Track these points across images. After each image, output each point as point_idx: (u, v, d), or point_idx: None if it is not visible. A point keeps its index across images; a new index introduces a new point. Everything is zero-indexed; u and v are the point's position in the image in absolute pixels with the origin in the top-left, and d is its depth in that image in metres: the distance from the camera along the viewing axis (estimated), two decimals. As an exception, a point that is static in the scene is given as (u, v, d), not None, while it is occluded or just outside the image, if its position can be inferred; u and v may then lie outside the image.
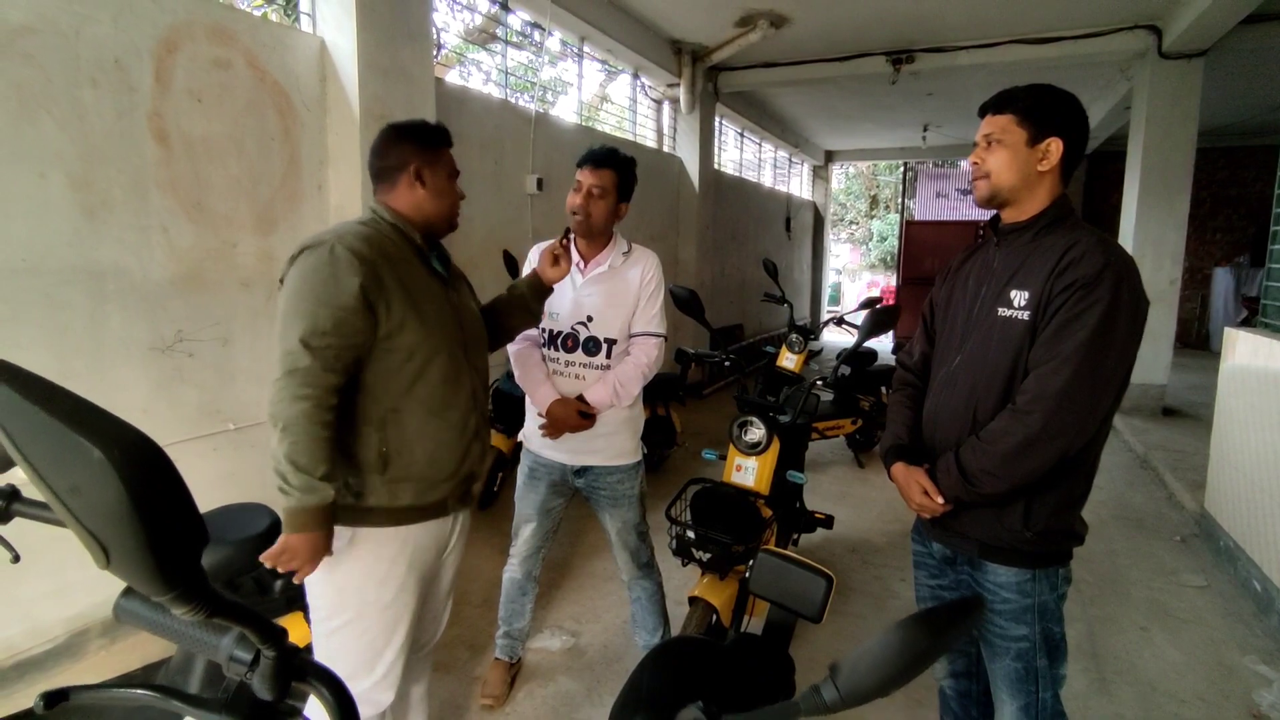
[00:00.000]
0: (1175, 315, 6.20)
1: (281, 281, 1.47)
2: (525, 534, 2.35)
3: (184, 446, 2.84)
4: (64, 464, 0.42)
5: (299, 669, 0.58)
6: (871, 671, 0.66)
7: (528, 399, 2.32)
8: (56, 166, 2.42)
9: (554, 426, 2.13)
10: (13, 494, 0.89)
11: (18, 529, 0.92)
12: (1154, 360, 6.21)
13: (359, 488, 1.50)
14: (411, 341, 1.49)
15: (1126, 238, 6.32)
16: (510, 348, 2.22)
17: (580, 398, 2.14)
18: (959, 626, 0.68)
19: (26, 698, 2.30)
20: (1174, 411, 6.35)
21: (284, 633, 0.58)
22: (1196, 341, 10.94)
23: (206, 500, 1.99)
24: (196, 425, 2.88)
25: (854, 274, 22.76)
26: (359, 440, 1.49)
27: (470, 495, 1.71)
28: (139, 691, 0.56)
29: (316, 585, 1.55)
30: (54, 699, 0.53)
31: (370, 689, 1.57)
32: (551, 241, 1.98)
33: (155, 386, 2.76)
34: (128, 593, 0.61)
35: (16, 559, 1.32)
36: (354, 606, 1.54)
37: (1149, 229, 6.08)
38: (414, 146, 1.59)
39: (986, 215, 1.64)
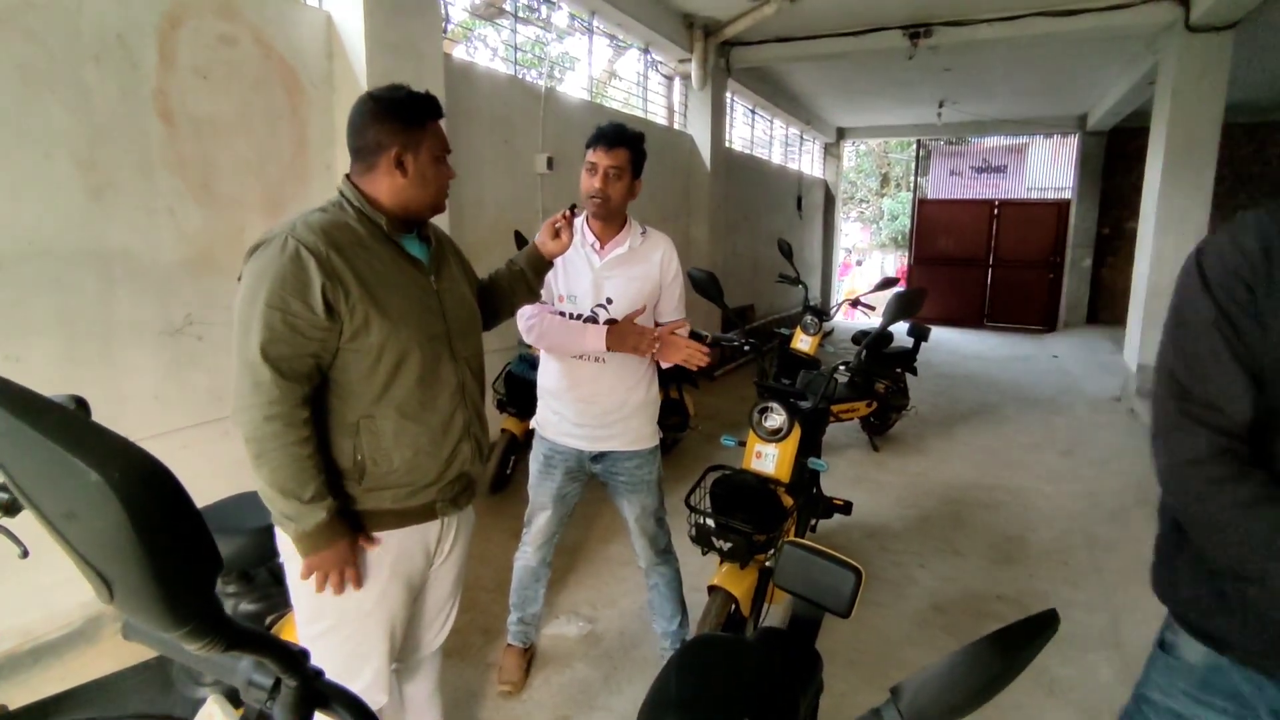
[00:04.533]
0: (1197, 296, 6.07)
1: (241, 280, 1.37)
2: (540, 522, 2.32)
3: (195, 431, 2.82)
4: (58, 488, 0.37)
5: (322, 695, 0.54)
6: (938, 696, 0.61)
7: (539, 385, 2.27)
8: (62, 147, 2.37)
9: (633, 341, 2.02)
10: (19, 490, 0.85)
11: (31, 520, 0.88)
12: (1175, 342, 6.09)
13: (338, 495, 1.41)
14: (378, 340, 1.37)
15: (1148, 215, 6.19)
16: (524, 325, 2.14)
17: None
18: (1034, 646, 0.63)
19: (44, 682, 2.30)
20: (1193, 394, 6.24)
21: (305, 656, 0.53)
22: (1214, 322, 10.77)
23: (218, 488, 1.96)
24: (207, 410, 2.85)
25: (864, 253, 22.51)
26: (334, 448, 1.41)
27: (464, 498, 1.62)
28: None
29: (298, 589, 1.48)
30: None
31: (360, 693, 1.51)
32: (555, 215, 1.90)
33: (165, 371, 2.72)
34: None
35: (25, 554, 1.29)
36: (334, 613, 1.47)
37: (1171, 206, 5.94)
38: (394, 126, 1.41)
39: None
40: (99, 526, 0.37)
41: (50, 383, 2.28)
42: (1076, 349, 9.55)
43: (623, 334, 2.02)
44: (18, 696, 2.22)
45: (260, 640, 0.47)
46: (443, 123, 1.54)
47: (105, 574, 0.38)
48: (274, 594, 1.86)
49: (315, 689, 0.53)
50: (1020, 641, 0.62)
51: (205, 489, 1.93)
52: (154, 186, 2.64)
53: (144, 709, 1.52)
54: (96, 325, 2.50)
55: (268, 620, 1.88)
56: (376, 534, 1.47)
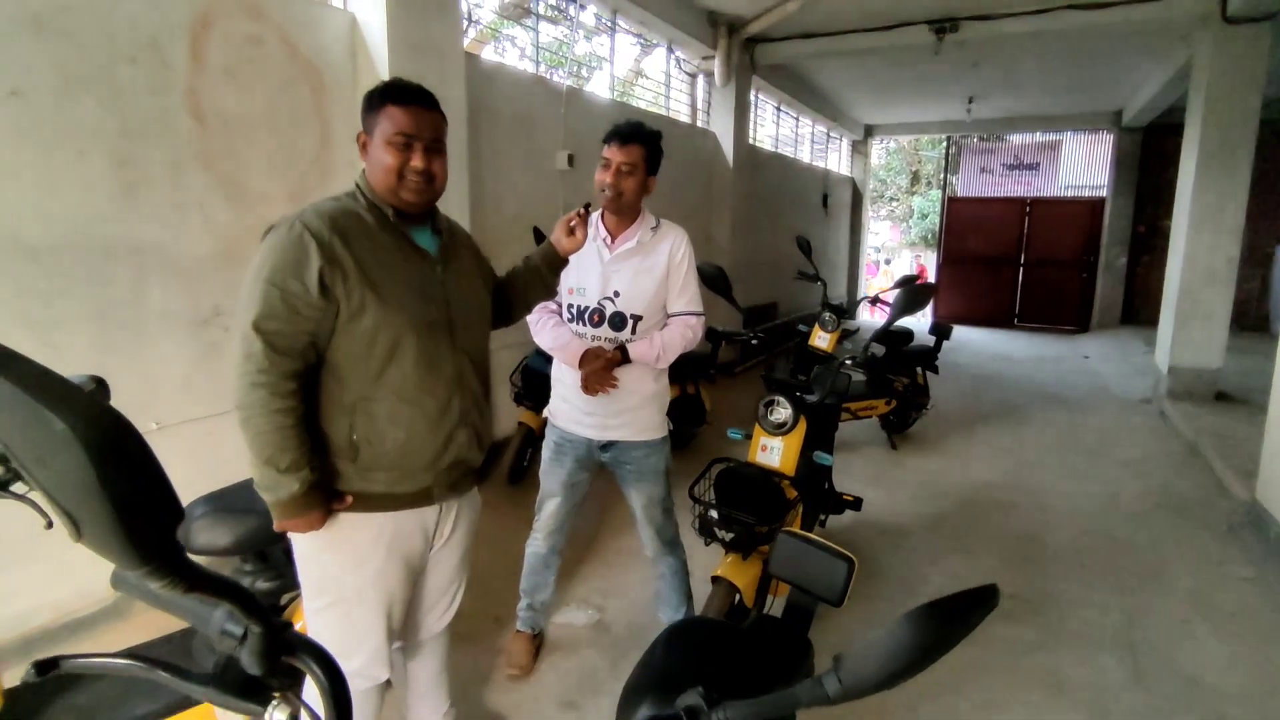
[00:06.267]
0: (1232, 295, 5.92)
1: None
2: (549, 509, 2.36)
3: (222, 419, 2.91)
4: (29, 435, 0.41)
5: (288, 643, 0.58)
6: (877, 664, 0.64)
7: (554, 375, 2.32)
8: (97, 144, 2.47)
9: (588, 378, 2.11)
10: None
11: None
12: (1207, 343, 5.95)
13: (331, 473, 1.47)
14: (372, 323, 1.43)
15: (1182, 213, 6.04)
16: (531, 323, 2.22)
17: (621, 348, 2.13)
18: (971, 618, 0.65)
19: (75, 656, 2.40)
20: (1227, 396, 6.08)
21: (271, 607, 0.57)
22: (1255, 323, 10.45)
23: (244, 472, 2.03)
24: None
25: (893, 252, 22.22)
26: (330, 425, 1.46)
27: (463, 484, 1.65)
28: (127, 662, 0.57)
29: (302, 565, 1.55)
30: (45, 667, 0.54)
31: (360, 667, 1.56)
32: (569, 213, 1.94)
33: (194, 360, 2.83)
34: (123, 564, 0.61)
35: (50, 525, 1.37)
36: (333, 590, 1.53)
37: (1206, 204, 5.79)
38: (363, 112, 1.50)
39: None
40: (66, 471, 0.41)
41: (85, 370, 2.38)
42: (1108, 350, 9.34)
43: (586, 361, 2.13)
44: (51, 668, 2.33)
45: (222, 584, 0.51)
46: (452, 116, 1.58)
47: (73, 514, 0.43)
48: (289, 573, 1.91)
49: (281, 637, 0.57)
50: (957, 613, 0.64)
51: (231, 473, 2.00)
52: (185, 182, 2.74)
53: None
54: (129, 316, 2.61)
55: (283, 599, 1.95)
56: (372, 514, 1.52)
